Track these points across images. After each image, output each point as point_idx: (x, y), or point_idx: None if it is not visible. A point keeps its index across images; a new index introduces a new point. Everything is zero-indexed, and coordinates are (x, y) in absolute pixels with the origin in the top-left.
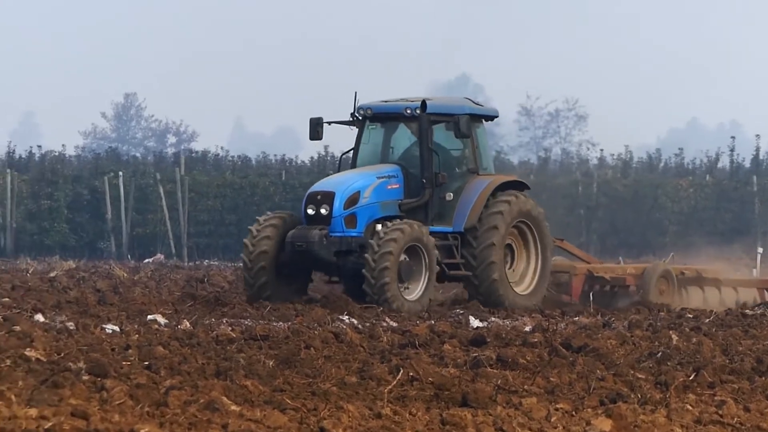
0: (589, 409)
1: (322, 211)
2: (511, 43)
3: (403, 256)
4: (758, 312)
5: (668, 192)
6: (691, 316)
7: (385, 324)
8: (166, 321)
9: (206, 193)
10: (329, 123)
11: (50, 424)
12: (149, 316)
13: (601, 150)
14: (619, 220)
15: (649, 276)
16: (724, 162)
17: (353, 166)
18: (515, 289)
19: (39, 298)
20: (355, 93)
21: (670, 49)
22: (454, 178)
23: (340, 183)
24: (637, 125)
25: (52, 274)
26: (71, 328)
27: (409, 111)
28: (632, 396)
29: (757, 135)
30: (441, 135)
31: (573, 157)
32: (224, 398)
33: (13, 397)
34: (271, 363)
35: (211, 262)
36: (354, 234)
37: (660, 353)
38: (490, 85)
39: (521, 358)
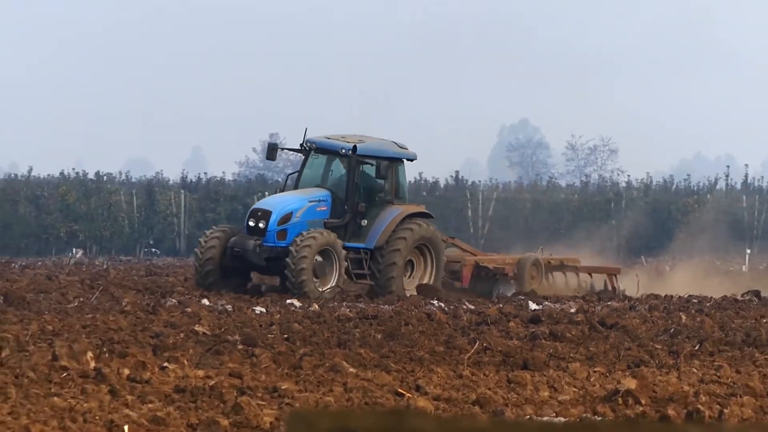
0: (619, 372)
1: (260, 224)
2: (562, 96)
3: (317, 258)
4: (746, 298)
5: (679, 207)
6: (696, 301)
7: (464, 307)
8: (300, 304)
9: None
10: (282, 149)
11: (213, 382)
12: (288, 300)
13: (628, 176)
14: (641, 229)
15: (523, 264)
16: (721, 185)
17: (296, 186)
18: (409, 294)
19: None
20: (305, 129)
21: (683, 98)
22: (374, 206)
23: (278, 203)
24: (656, 156)
25: None
26: (229, 309)
27: (343, 150)
28: (652, 362)
29: (746, 164)
30: (371, 169)
31: (607, 181)
32: (344, 363)
33: (185, 361)
34: (379, 336)
35: None
36: (283, 245)
37: (672, 329)
38: (545, 126)
39: (568, 333)
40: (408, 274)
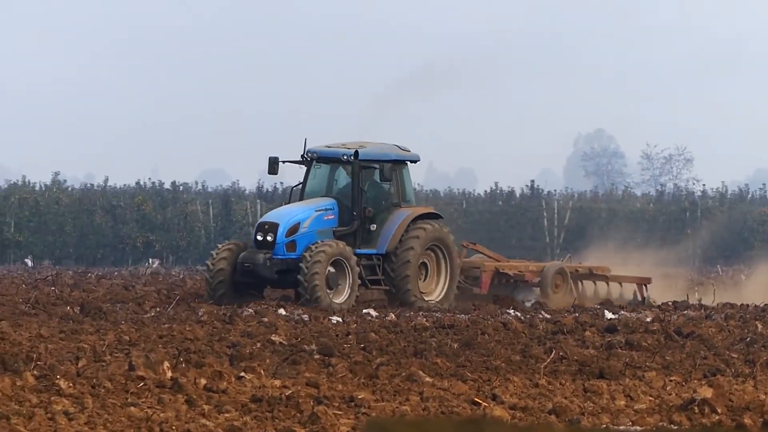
0: (695, 381)
1: (268, 238)
2: (638, 105)
3: (330, 269)
4: None
5: (755, 217)
6: None
7: (541, 316)
8: (377, 314)
9: None
10: (284, 162)
11: (290, 391)
12: (364, 310)
13: (704, 185)
14: (717, 238)
15: (547, 273)
16: None
17: (301, 197)
18: (427, 298)
19: (282, 295)
20: (305, 139)
21: (758, 107)
22: (381, 210)
23: (284, 215)
24: (731, 166)
25: None
26: (305, 319)
27: (345, 157)
28: (728, 370)
29: None
30: (376, 174)
31: (682, 190)
32: (420, 372)
33: (262, 371)
34: (455, 345)
35: None
36: (294, 257)
37: (749, 338)
38: (620, 136)
39: (644, 342)
40: (423, 276)
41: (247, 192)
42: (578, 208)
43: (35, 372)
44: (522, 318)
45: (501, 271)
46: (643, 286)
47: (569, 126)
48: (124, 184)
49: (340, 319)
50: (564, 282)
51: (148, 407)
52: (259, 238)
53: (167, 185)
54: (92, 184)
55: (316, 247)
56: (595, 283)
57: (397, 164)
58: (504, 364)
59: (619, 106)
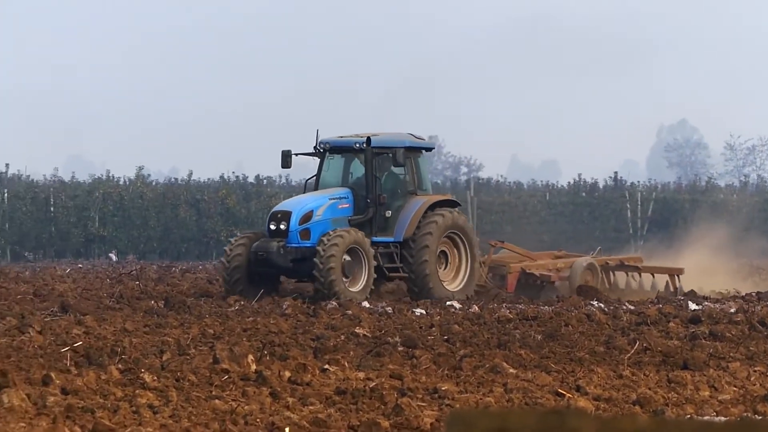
0: None
1: (281, 226)
2: (721, 96)
3: (346, 257)
4: None
5: None
6: None
7: (624, 307)
8: (460, 305)
9: (490, 209)
10: (296, 155)
11: (374, 384)
12: (447, 302)
13: None
14: None
15: (576, 269)
16: None
17: (315, 189)
18: (448, 286)
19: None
20: (317, 130)
21: None
22: (397, 198)
23: (296, 204)
24: None
25: None
26: (389, 311)
27: (357, 145)
28: None
29: None
30: (391, 163)
31: (766, 181)
32: (504, 363)
33: (346, 363)
34: (539, 337)
35: None
36: (308, 245)
37: None
38: (704, 127)
39: (728, 333)
40: (443, 265)
41: None
42: (661, 199)
43: (120, 366)
44: (606, 309)
45: (527, 271)
46: (676, 277)
47: (652, 117)
48: (208, 178)
49: (423, 311)
50: (594, 277)
51: (233, 400)
52: (272, 227)
53: (251, 179)
54: (176, 179)
55: (331, 236)
56: (627, 275)
57: (410, 151)
58: (588, 355)
59: (702, 97)
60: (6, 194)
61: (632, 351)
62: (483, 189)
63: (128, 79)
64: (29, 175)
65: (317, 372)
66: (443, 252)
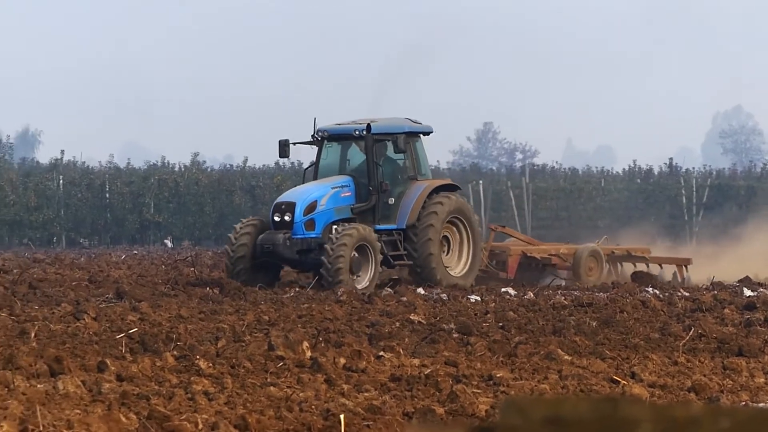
0: None
1: (286, 218)
2: None
3: (353, 253)
4: None
5: None
6: None
7: (679, 294)
8: (515, 292)
9: (545, 196)
10: (294, 143)
11: (428, 370)
12: (502, 289)
13: None
14: None
15: (579, 255)
16: None
17: (315, 178)
18: (451, 272)
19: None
20: (315, 118)
21: None
22: (398, 184)
23: (300, 194)
24: None
25: None
26: (444, 298)
27: (357, 132)
28: None
29: None
30: (390, 149)
31: None
32: (559, 350)
33: (401, 350)
34: (594, 323)
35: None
36: (313, 235)
37: None
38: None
39: None
40: (445, 250)
41: None
42: (716, 185)
43: (175, 352)
44: (661, 296)
45: (528, 254)
46: (683, 267)
47: (708, 103)
48: (263, 165)
49: (478, 298)
50: (598, 264)
51: (288, 387)
52: (277, 218)
53: (306, 164)
54: (231, 165)
55: (342, 230)
56: (634, 265)
57: (410, 136)
58: (643, 341)
59: (758, 83)
60: (62, 181)
61: (687, 338)
62: (538, 175)
63: (185, 66)
64: (84, 162)
65: (372, 359)
66: (445, 237)
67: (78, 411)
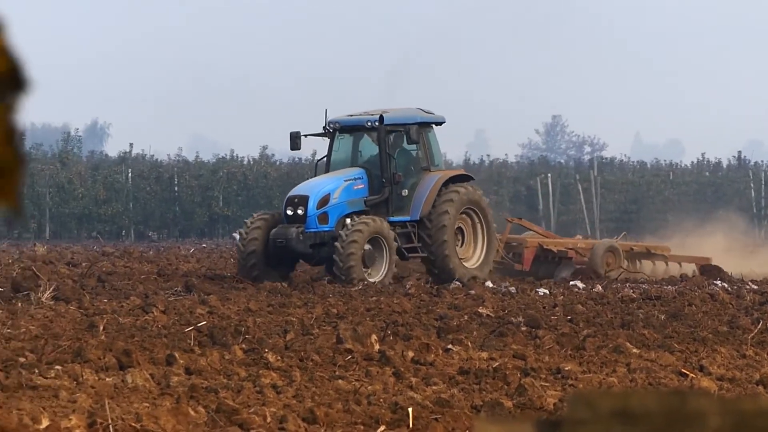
0: None
1: (299, 211)
2: None
3: (367, 246)
4: None
5: None
6: None
7: (748, 287)
8: (584, 285)
9: (613, 189)
10: (305, 135)
11: (497, 364)
12: (571, 282)
13: None
14: None
15: (597, 251)
16: None
17: (327, 170)
18: (465, 264)
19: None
20: (326, 110)
21: None
22: (411, 176)
23: (313, 187)
24: None
25: None
26: (513, 291)
27: (369, 123)
28: None
29: None
30: (402, 139)
31: None
32: (627, 343)
33: (469, 343)
34: (662, 317)
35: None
36: (327, 229)
37: None
38: None
39: None
40: (459, 242)
41: (453, 165)
42: None
43: (244, 346)
44: (729, 289)
45: (545, 247)
46: (702, 266)
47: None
48: None
49: (547, 291)
50: (615, 260)
51: (356, 380)
52: (289, 212)
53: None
54: (300, 158)
55: (355, 222)
56: (654, 263)
57: (422, 127)
58: (711, 335)
59: None
60: (130, 174)
61: (756, 330)
62: (606, 168)
63: (251, 59)
64: (153, 155)
65: (440, 352)
66: (459, 228)
67: (146, 404)
